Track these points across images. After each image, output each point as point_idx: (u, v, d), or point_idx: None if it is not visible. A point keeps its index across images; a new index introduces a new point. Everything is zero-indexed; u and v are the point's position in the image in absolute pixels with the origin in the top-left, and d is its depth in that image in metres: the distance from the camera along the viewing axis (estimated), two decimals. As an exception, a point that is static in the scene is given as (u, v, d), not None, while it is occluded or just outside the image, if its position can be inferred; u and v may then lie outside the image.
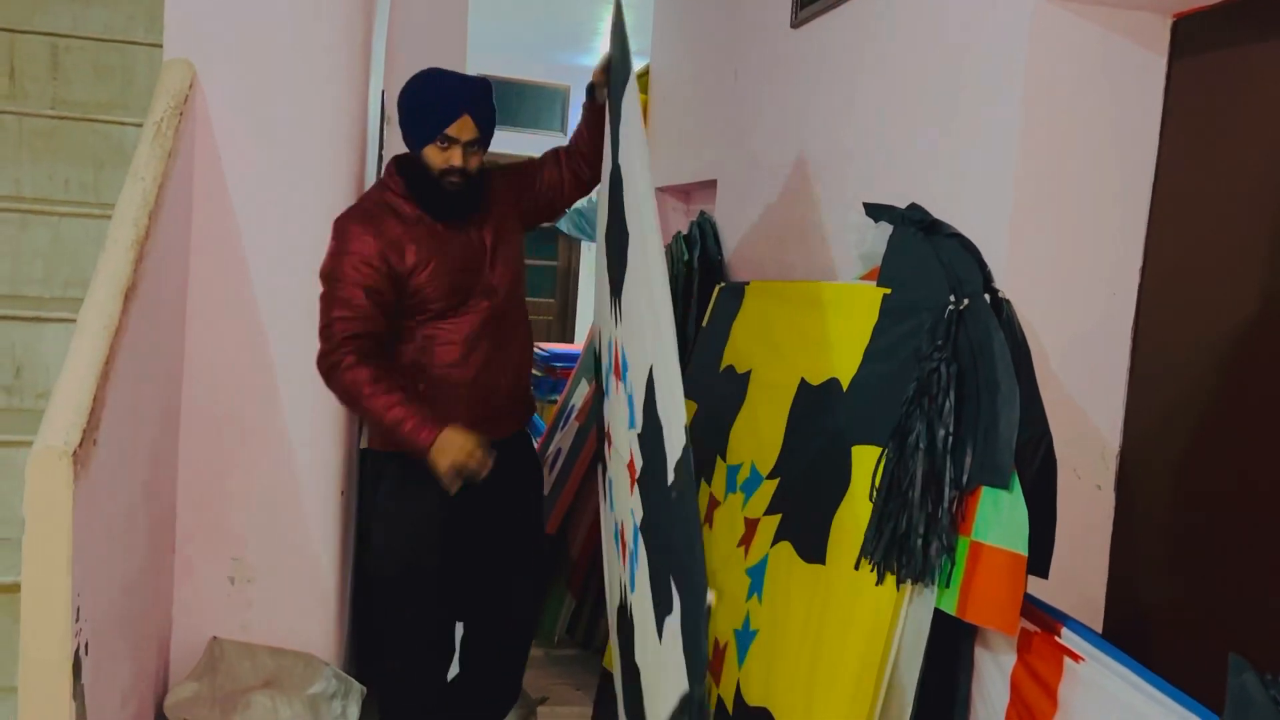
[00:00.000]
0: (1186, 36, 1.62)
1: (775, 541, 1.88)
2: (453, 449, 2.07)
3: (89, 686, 1.68)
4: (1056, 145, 1.64)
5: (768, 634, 1.83)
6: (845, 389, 1.80)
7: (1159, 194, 1.66)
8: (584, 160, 2.40)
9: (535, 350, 3.69)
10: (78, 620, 1.60)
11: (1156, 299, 1.66)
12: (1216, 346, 1.55)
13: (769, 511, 1.95)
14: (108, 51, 2.80)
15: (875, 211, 1.93)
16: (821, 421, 1.86)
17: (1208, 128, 1.58)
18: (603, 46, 7.68)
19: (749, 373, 2.24)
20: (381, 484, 2.35)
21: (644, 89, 4.28)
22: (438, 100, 2.14)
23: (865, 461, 1.66)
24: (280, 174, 2.28)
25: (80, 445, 1.54)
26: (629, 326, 1.91)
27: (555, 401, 4.38)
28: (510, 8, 5.95)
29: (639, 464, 1.83)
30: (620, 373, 1.99)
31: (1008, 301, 1.58)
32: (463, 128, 2.13)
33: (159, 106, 1.99)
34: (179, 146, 2.01)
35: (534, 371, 2.51)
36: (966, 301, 1.59)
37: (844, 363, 1.83)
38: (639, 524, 1.86)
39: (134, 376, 1.83)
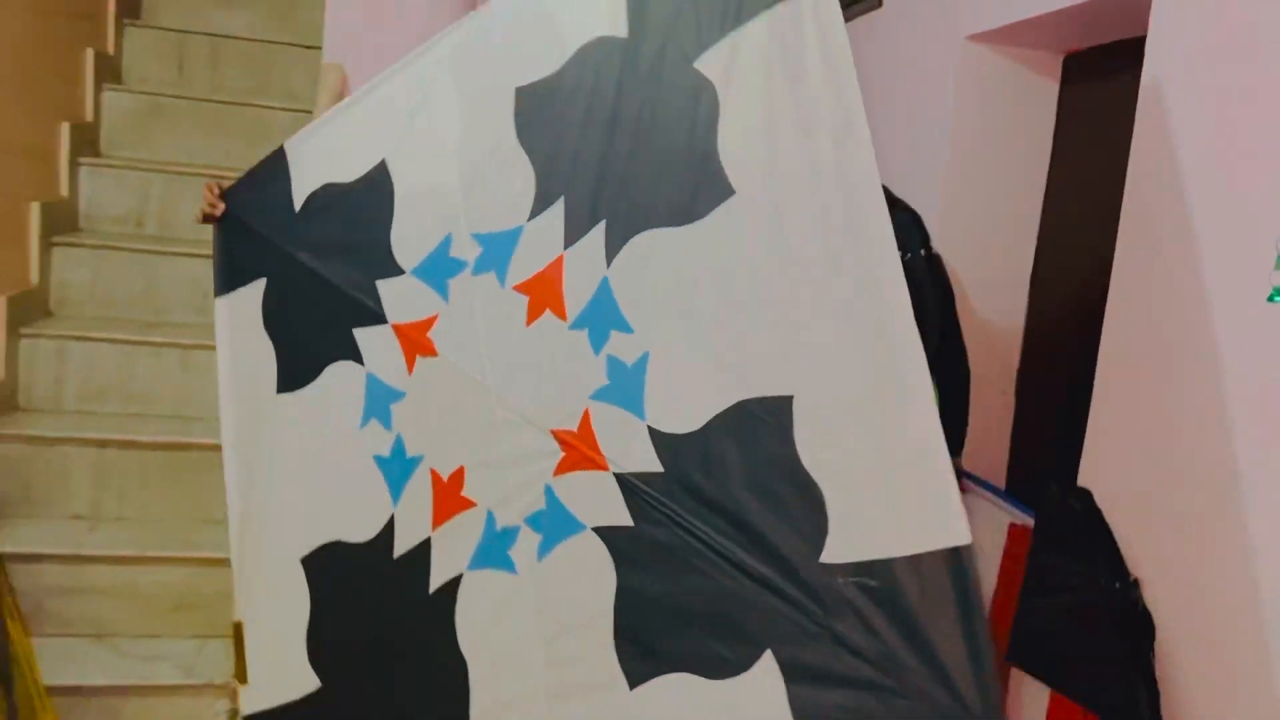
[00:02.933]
0: (1073, 68, 2.26)
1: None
2: None
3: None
4: (977, 145, 2.29)
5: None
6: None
7: (1050, 181, 2.31)
8: None
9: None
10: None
11: (1047, 257, 2.32)
12: (1083, 291, 2.20)
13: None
14: (254, 48, 3.49)
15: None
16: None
17: (1087, 134, 2.22)
18: None
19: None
20: None
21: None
22: None
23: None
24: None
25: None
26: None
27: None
28: None
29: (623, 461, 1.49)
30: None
31: (939, 255, 2.24)
32: None
33: (322, 101, 2.67)
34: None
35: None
36: (909, 255, 2.25)
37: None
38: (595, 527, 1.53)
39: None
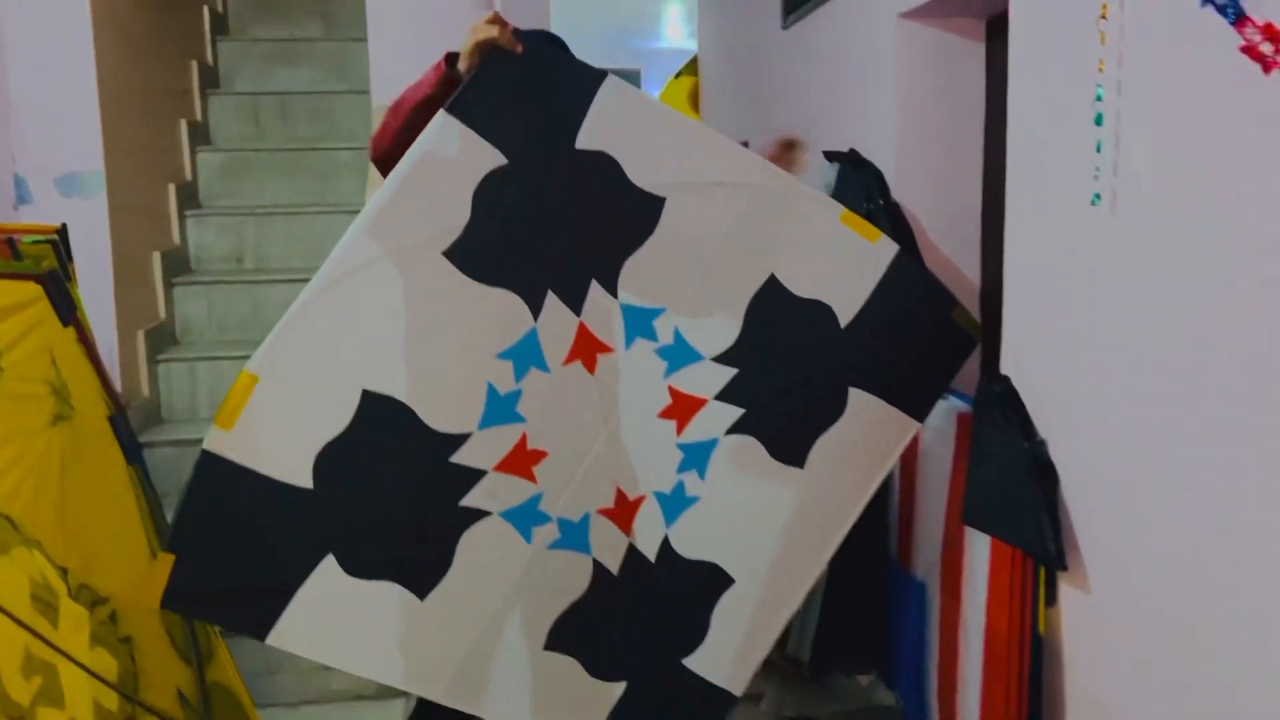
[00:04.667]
0: (994, 30, 2.63)
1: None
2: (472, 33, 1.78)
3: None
4: (919, 105, 2.69)
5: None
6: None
7: (987, 126, 2.68)
8: None
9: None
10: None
11: (992, 192, 2.70)
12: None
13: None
14: (316, 100, 4.06)
15: (829, 156, 3.00)
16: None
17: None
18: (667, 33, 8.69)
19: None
20: None
21: (695, 72, 5.36)
22: None
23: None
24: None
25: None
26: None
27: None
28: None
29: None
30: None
31: (897, 204, 2.65)
32: None
33: (375, 138, 3.19)
34: (389, 162, 3.23)
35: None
36: (873, 205, 2.66)
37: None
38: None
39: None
